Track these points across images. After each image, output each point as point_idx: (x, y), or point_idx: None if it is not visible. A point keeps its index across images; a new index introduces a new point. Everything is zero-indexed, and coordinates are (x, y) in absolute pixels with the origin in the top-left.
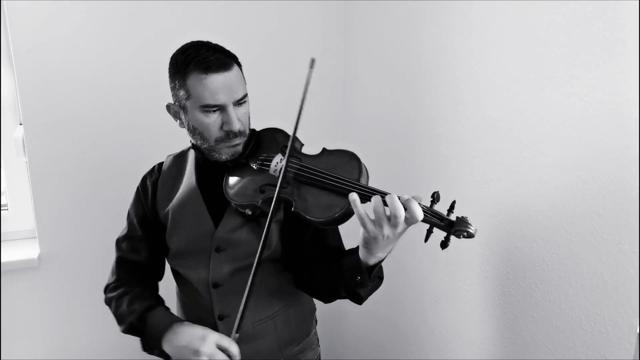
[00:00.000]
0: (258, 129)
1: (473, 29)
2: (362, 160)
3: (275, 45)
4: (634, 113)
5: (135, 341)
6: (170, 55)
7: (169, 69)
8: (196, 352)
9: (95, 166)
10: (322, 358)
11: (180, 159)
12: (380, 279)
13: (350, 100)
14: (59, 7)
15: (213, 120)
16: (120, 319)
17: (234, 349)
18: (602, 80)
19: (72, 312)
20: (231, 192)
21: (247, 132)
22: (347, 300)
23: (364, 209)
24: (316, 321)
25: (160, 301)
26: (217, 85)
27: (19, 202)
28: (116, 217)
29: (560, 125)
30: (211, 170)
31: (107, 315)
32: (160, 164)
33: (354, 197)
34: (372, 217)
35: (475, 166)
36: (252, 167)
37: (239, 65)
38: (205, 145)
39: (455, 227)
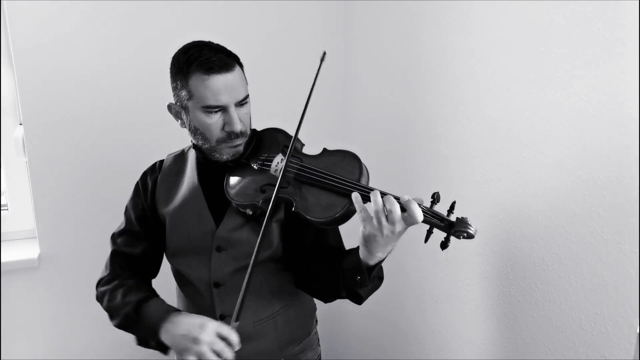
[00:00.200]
0: (259, 129)
1: (473, 29)
2: (362, 160)
3: (276, 45)
4: (634, 113)
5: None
6: (172, 55)
7: (171, 68)
8: (195, 340)
9: (95, 166)
10: (322, 358)
11: (180, 158)
12: (380, 279)
13: (350, 100)
14: (59, 7)
15: (215, 120)
16: (113, 312)
17: (234, 337)
18: (602, 80)
19: (72, 312)
20: (232, 191)
21: (249, 132)
22: (347, 300)
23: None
24: (316, 321)
25: (155, 293)
26: (219, 86)
27: (19, 202)
28: (116, 217)
29: (560, 125)
30: (212, 170)
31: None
32: (161, 162)
33: (356, 195)
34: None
35: (475, 166)
36: (253, 167)
37: (241, 65)
38: (206, 146)
39: (455, 228)
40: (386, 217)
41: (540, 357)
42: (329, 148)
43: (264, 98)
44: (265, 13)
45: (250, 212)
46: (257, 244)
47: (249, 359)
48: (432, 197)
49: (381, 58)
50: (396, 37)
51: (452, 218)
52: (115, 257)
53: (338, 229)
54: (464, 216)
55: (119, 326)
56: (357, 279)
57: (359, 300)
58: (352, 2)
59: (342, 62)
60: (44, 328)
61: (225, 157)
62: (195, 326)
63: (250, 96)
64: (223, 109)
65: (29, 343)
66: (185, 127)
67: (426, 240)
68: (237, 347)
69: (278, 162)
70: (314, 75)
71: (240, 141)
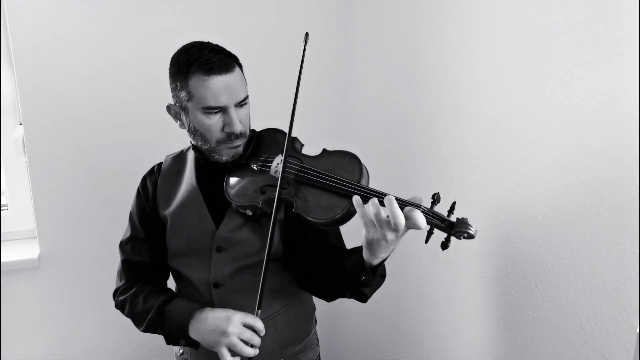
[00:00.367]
0: (258, 129)
1: (473, 29)
2: (362, 160)
3: (275, 45)
4: (634, 113)
5: (135, 341)
6: (171, 56)
7: (170, 69)
8: (224, 333)
9: (95, 166)
10: (322, 358)
11: (179, 159)
12: (382, 276)
13: (350, 100)
14: (59, 7)
15: (214, 121)
16: (138, 319)
17: (259, 324)
18: (602, 80)
19: (72, 312)
20: (232, 192)
21: (248, 133)
22: (347, 300)
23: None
24: (316, 321)
25: (174, 294)
26: (219, 86)
27: (19, 202)
28: (116, 217)
29: (560, 125)
30: (211, 171)
31: (108, 316)
32: (160, 164)
33: (357, 199)
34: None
35: (475, 166)
36: (252, 168)
37: (240, 66)
38: (206, 147)
39: (456, 229)
40: (388, 223)
41: (540, 357)
42: (329, 148)
43: (264, 98)
44: (265, 13)
45: (250, 213)
46: (268, 239)
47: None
48: (433, 197)
49: (381, 58)
50: (396, 37)
51: (453, 218)
52: (127, 266)
53: (339, 228)
54: (464, 217)
55: (146, 331)
56: (362, 278)
57: (363, 298)
58: (352, 2)
59: (342, 62)
60: (44, 328)
61: (224, 158)
62: (222, 320)
63: (250, 97)
64: (223, 109)
65: (29, 343)
66: (185, 128)
67: (427, 240)
68: (263, 332)
69: (278, 163)
70: (301, 65)
71: (240, 142)
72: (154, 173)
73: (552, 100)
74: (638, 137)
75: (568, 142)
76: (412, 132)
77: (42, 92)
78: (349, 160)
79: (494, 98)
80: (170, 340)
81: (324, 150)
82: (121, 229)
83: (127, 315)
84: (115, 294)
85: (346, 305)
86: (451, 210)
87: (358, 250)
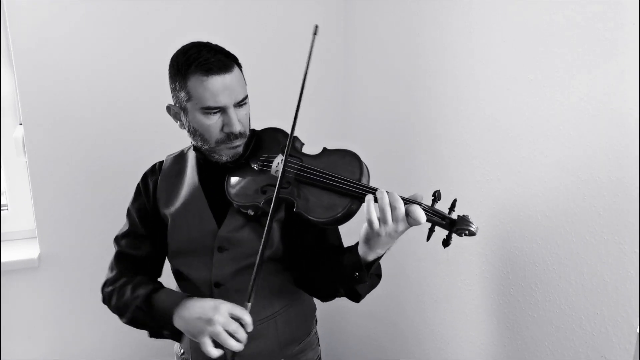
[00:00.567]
0: (258, 129)
1: (473, 29)
2: (362, 159)
3: (275, 45)
4: (634, 113)
5: (135, 341)
6: (171, 56)
7: (169, 70)
8: (210, 322)
9: (95, 166)
10: (322, 358)
11: (180, 158)
12: (378, 276)
13: (350, 100)
14: (59, 7)
15: (214, 122)
16: (123, 308)
17: (247, 317)
18: (602, 80)
19: (72, 312)
20: (233, 192)
21: (248, 133)
22: (348, 300)
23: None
24: (316, 321)
25: (163, 286)
26: (218, 87)
27: (19, 202)
28: (116, 217)
29: (560, 125)
30: (212, 170)
31: (108, 316)
32: (161, 163)
33: (369, 198)
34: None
35: (475, 166)
36: (253, 168)
37: (240, 66)
38: (205, 147)
39: (457, 226)
40: (391, 212)
41: (540, 357)
42: (329, 147)
43: (264, 98)
44: (265, 13)
45: (252, 213)
46: (262, 240)
47: (249, 358)
48: (433, 195)
49: (381, 58)
50: (396, 37)
51: (454, 216)
52: (120, 258)
53: (338, 228)
54: (465, 214)
55: (130, 322)
56: (356, 275)
57: (356, 297)
58: (352, 2)
59: (342, 62)
60: (44, 328)
61: (224, 158)
62: (209, 308)
63: (249, 96)
64: (222, 110)
65: (29, 343)
66: (185, 128)
67: (428, 238)
68: (250, 327)
69: (278, 163)
70: (309, 58)
71: (240, 142)
72: (155, 172)
73: (552, 100)
74: (638, 137)
75: (568, 142)
76: (412, 132)
77: (42, 92)
78: (350, 159)
79: (494, 98)
80: (153, 332)
81: (324, 149)
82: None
83: (113, 307)
84: (104, 286)
85: (346, 305)
86: (452, 207)
87: (355, 247)
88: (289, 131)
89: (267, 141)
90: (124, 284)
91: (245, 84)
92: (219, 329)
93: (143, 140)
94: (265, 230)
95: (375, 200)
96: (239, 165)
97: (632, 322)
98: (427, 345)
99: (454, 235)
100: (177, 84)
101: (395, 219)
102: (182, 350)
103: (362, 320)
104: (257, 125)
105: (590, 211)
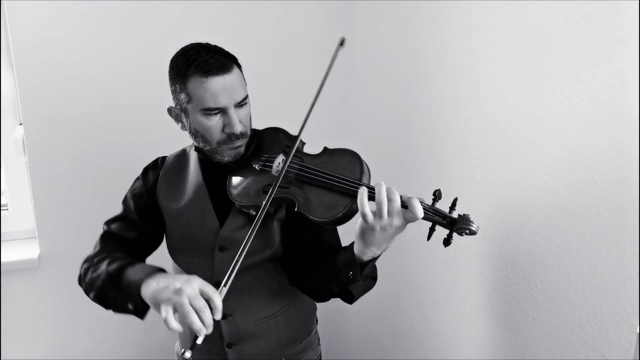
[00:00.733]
0: (259, 128)
1: (473, 29)
2: (363, 158)
3: (276, 45)
4: (634, 113)
5: (135, 341)
6: (170, 57)
7: (169, 72)
8: (178, 291)
9: (95, 166)
10: (322, 358)
11: (182, 157)
12: (373, 279)
13: (350, 100)
14: (59, 7)
15: (214, 122)
16: (95, 281)
17: (218, 301)
18: (602, 80)
19: (72, 312)
20: (234, 192)
21: (249, 133)
22: None
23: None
24: (317, 321)
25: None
26: (217, 88)
27: (19, 202)
28: None
29: (560, 125)
30: (215, 170)
31: (108, 316)
32: (164, 158)
33: (362, 190)
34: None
35: (475, 166)
36: (254, 168)
37: (239, 66)
38: (207, 148)
39: (458, 225)
40: (387, 205)
41: (540, 357)
42: (330, 147)
43: (264, 98)
44: (265, 13)
45: (254, 213)
46: (250, 229)
47: (250, 358)
48: (434, 194)
49: (381, 58)
50: (396, 37)
51: (454, 215)
52: (106, 238)
53: (336, 229)
54: (465, 213)
55: (97, 296)
56: (349, 274)
57: (350, 298)
58: (352, 2)
59: (342, 62)
60: (44, 328)
61: (226, 159)
62: (181, 278)
63: (250, 96)
64: (222, 110)
65: (29, 343)
66: (186, 129)
67: (429, 238)
68: (219, 314)
69: (279, 163)
70: (328, 67)
71: (241, 142)
72: (157, 167)
73: (552, 100)
74: (638, 137)
75: (568, 142)
76: (412, 132)
77: (42, 92)
78: (350, 159)
79: (494, 98)
80: (117, 306)
81: (325, 149)
82: None
83: (87, 283)
84: (83, 263)
85: (346, 305)
86: (453, 206)
87: (350, 246)
88: (291, 131)
89: (268, 141)
90: (101, 259)
91: (246, 84)
92: (184, 300)
93: (143, 140)
94: (254, 222)
95: (373, 196)
96: (240, 165)
97: (632, 322)
98: (427, 345)
99: (454, 235)
100: (177, 86)
101: (390, 212)
102: (182, 350)
103: (362, 320)
104: (258, 125)
105: (590, 211)
